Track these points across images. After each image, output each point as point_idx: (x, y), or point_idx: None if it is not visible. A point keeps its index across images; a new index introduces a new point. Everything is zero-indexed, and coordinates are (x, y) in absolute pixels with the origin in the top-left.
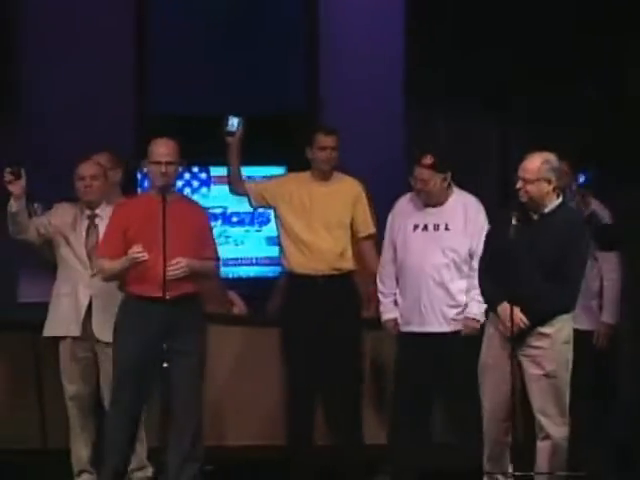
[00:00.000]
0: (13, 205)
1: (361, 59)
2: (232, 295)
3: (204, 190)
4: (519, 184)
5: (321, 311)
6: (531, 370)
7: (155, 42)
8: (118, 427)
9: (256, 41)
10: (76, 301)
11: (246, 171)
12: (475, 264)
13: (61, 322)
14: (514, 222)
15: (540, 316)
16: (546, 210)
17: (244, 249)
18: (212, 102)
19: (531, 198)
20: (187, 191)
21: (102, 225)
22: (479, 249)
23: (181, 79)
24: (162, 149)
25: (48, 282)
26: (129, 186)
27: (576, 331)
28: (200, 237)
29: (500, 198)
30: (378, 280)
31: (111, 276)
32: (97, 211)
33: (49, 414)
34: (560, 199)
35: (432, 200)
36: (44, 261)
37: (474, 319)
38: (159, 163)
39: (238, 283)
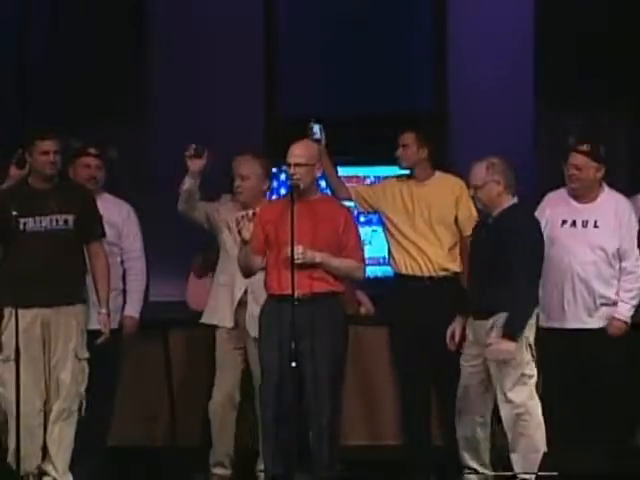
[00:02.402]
0: (187, 182)
1: (490, 58)
2: (360, 295)
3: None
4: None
5: (428, 312)
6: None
7: (283, 43)
8: (265, 430)
9: (383, 41)
10: (232, 292)
11: (374, 171)
12: (626, 264)
13: (218, 311)
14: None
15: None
16: (495, 213)
17: (371, 249)
18: (338, 103)
19: (483, 204)
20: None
21: None
22: (632, 250)
23: (307, 81)
24: (293, 150)
25: (179, 281)
26: None
27: None
28: (339, 238)
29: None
30: None
31: (242, 264)
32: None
33: (179, 411)
34: (513, 201)
35: (583, 190)
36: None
37: (622, 320)
38: (289, 165)
39: (366, 283)
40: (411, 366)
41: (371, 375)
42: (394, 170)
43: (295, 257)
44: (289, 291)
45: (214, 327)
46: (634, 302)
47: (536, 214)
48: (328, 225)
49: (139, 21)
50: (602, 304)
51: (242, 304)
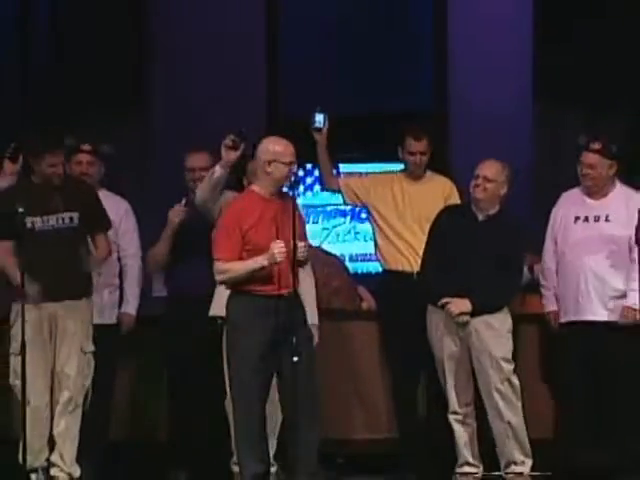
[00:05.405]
0: (217, 170)
1: (489, 59)
2: (361, 290)
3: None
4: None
5: (416, 306)
6: (485, 357)
7: (285, 43)
8: (248, 428)
9: (385, 40)
10: None
11: (374, 168)
12: (636, 255)
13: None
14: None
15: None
16: (490, 212)
17: (373, 245)
18: (339, 102)
19: (482, 197)
20: (317, 188)
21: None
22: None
23: (309, 80)
24: (291, 149)
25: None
26: None
27: None
28: (298, 229)
29: None
30: (540, 273)
31: (240, 277)
32: None
33: (180, 407)
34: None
35: (596, 188)
36: None
37: (632, 308)
38: (291, 163)
39: (367, 278)
40: (401, 361)
41: (366, 371)
42: (391, 167)
43: (301, 253)
44: (281, 291)
45: (219, 322)
46: None
47: (552, 212)
48: (290, 218)
49: (140, 21)
50: (615, 297)
51: None
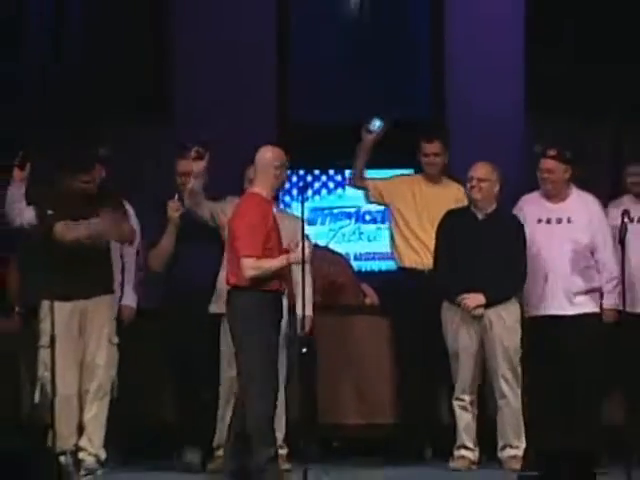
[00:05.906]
0: (191, 182)
1: (484, 69)
2: (365, 287)
3: (340, 191)
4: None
5: (426, 301)
6: (497, 347)
7: (295, 53)
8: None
9: (384, 48)
10: None
11: (373, 173)
12: (601, 256)
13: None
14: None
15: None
16: (488, 210)
17: (376, 244)
18: (344, 110)
19: (479, 197)
20: (324, 192)
21: None
22: (605, 242)
23: (318, 89)
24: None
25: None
26: None
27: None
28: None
29: None
30: None
31: (270, 274)
32: None
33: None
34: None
35: (555, 191)
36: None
37: (613, 309)
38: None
39: (370, 276)
40: (410, 353)
41: (366, 361)
42: (392, 173)
43: (308, 252)
44: (282, 287)
45: (219, 318)
46: (617, 289)
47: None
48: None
49: (160, 31)
50: (578, 293)
51: None
